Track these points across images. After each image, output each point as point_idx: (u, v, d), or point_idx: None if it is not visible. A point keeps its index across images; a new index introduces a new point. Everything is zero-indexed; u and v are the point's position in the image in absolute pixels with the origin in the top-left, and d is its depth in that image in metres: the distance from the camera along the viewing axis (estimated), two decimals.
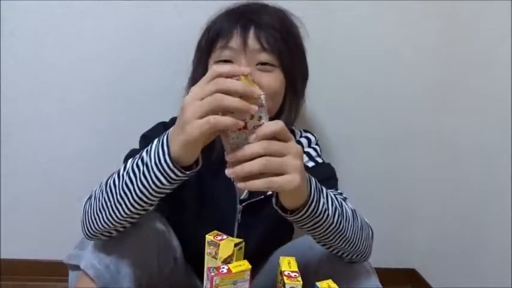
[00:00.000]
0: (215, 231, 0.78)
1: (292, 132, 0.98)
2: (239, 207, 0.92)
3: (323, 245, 0.77)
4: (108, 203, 0.69)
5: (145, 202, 0.68)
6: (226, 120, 0.57)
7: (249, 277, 0.70)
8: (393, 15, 1.22)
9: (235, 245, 0.75)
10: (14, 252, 1.29)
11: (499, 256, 1.12)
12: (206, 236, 0.77)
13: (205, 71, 0.90)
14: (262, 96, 0.60)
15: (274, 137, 0.59)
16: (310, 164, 0.94)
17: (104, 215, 0.70)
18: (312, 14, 1.16)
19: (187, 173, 0.64)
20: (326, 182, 0.90)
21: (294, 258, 0.75)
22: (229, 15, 0.88)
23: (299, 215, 0.67)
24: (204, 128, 0.56)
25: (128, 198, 0.67)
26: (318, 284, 0.69)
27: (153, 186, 0.65)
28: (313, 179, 0.69)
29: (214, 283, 0.67)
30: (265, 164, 0.58)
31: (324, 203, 0.69)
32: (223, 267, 0.69)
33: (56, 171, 1.25)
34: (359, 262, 0.82)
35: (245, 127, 0.59)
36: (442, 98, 1.30)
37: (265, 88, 0.84)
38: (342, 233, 0.73)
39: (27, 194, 1.27)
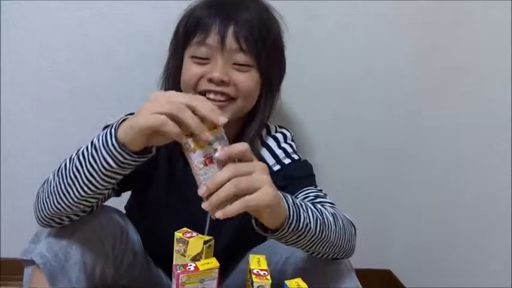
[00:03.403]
0: (185, 229, 0.77)
1: (268, 127, 0.97)
2: None
3: (306, 252, 0.76)
4: (59, 187, 0.68)
5: (95, 186, 0.67)
6: (173, 127, 0.58)
7: (217, 275, 0.69)
8: (377, 16, 1.22)
9: (205, 242, 0.74)
10: None
11: (473, 259, 1.12)
12: (175, 233, 0.75)
13: (180, 62, 0.88)
14: (223, 131, 0.62)
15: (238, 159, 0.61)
16: (287, 161, 0.93)
17: (54, 198, 0.69)
18: (294, 11, 1.15)
19: (135, 156, 0.64)
20: (304, 180, 0.89)
21: (264, 256, 0.73)
22: (209, 7, 0.85)
23: (282, 233, 0.67)
24: (151, 122, 0.58)
25: (78, 181, 0.66)
26: (286, 282, 0.68)
27: (102, 168, 0.64)
28: (288, 196, 0.69)
29: (180, 281, 0.65)
30: (236, 184, 0.59)
31: (305, 217, 0.68)
32: (190, 265, 0.68)
33: (26, 170, 1.22)
34: (342, 259, 0.81)
35: (211, 162, 0.61)
36: (422, 103, 1.30)
37: (240, 87, 0.84)
38: (325, 240, 0.72)
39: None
